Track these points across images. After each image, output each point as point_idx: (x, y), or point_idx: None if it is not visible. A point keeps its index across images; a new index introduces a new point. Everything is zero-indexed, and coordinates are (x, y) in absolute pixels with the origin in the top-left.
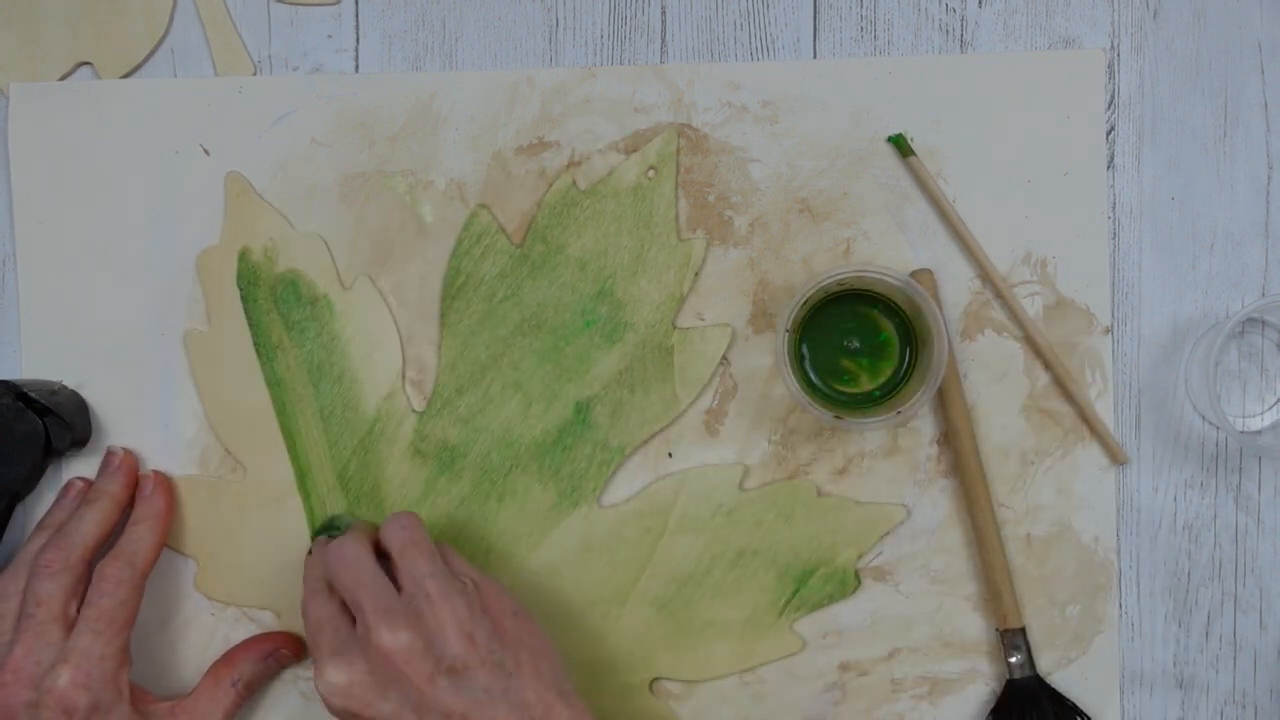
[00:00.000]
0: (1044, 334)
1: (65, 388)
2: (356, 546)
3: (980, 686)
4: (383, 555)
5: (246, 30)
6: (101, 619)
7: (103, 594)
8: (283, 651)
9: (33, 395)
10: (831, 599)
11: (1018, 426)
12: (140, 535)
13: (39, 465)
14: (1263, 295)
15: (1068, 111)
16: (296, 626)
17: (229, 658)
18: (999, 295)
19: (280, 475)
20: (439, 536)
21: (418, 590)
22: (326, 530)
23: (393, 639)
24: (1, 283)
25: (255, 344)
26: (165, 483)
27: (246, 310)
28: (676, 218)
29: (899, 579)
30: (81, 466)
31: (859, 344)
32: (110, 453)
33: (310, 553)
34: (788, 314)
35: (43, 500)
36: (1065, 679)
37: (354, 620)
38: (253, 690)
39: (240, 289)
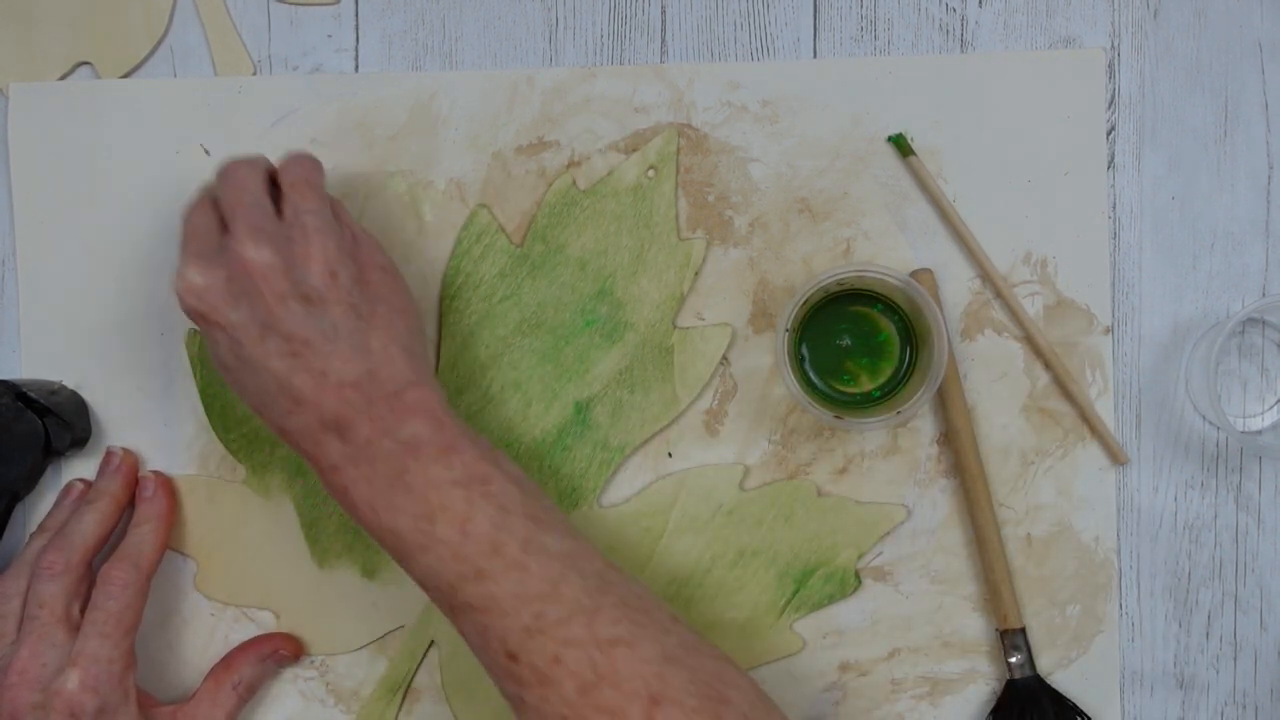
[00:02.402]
0: (1044, 334)
1: (65, 388)
2: (249, 169)
3: (980, 686)
4: (276, 189)
5: (246, 30)
6: (108, 621)
7: (108, 596)
8: (281, 652)
9: (32, 395)
10: (831, 599)
11: (1018, 426)
12: (143, 537)
13: (39, 465)
14: (1263, 295)
15: (1068, 111)
16: (296, 627)
17: (228, 660)
18: (999, 295)
19: (280, 475)
20: None
21: (295, 221)
22: None
23: (255, 253)
24: (1, 282)
25: None
26: (167, 484)
27: None
28: (676, 217)
29: (899, 579)
30: (81, 466)
31: (850, 341)
32: (110, 453)
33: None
34: (788, 314)
35: (43, 500)
36: (1065, 679)
37: (225, 230)
38: (253, 691)
39: None
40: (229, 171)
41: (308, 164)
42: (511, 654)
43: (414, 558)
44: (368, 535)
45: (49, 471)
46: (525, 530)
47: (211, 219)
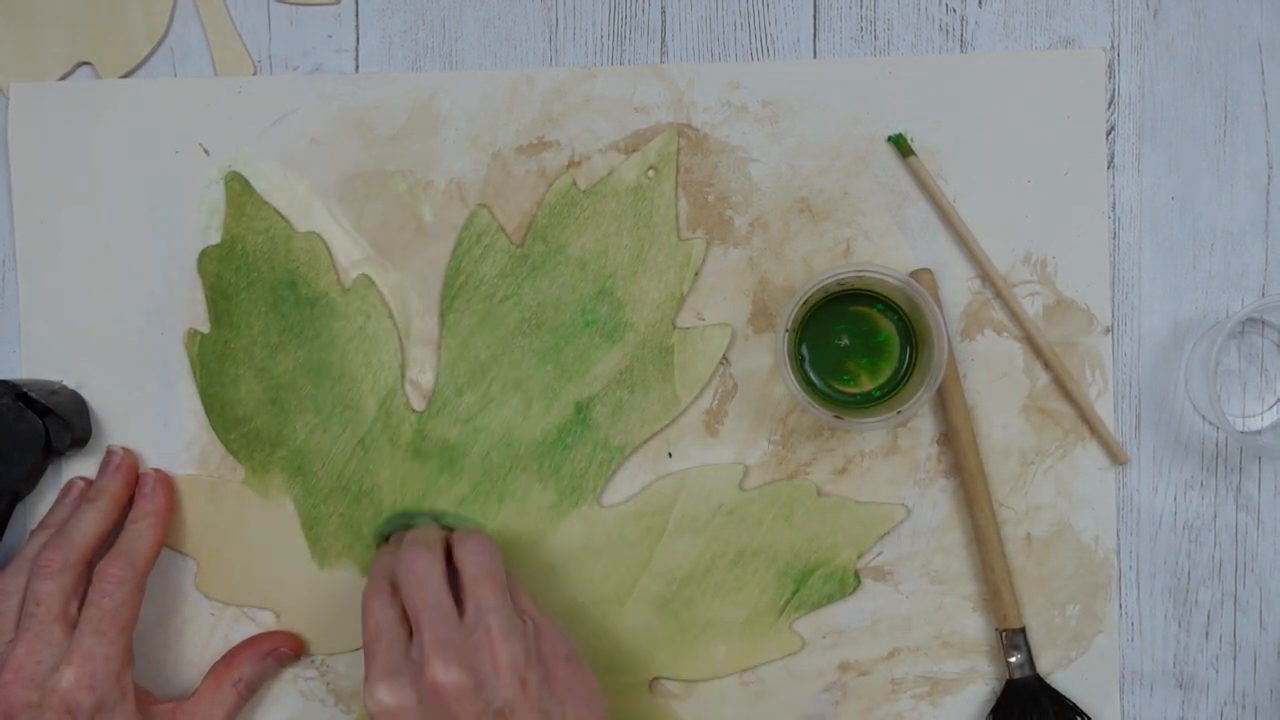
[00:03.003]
0: (1044, 334)
1: (65, 388)
2: (429, 559)
3: (980, 686)
4: (452, 569)
5: (246, 30)
6: (104, 619)
7: (104, 594)
8: (282, 650)
9: (33, 395)
10: (831, 599)
11: (1018, 426)
12: (140, 533)
13: (39, 465)
14: (1263, 295)
15: (1068, 111)
16: (296, 627)
17: (229, 658)
18: (999, 295)
19: (280, 475)
20: None
21: (479, 624)
22: (401, 522)
23: (446, 675)
24: (1, 282)
25: (255, 344)
26: (165, 481)
27: (246, 310)
28: (676, 217)
29: (899, 579)
30: (81, 466)
31: (850, 341)
32: (110, 452)
33: (384, 541)
34: (788, 314)
35: (43, 500)
36: (1065, 679)
37: (410, 633)
38: (253, 690)
39: (240, 289)
40: (409, 563)
41: (487, 552)
42: None
43: None
44: None
45: (49, 471)
46: None
47: (394, 614)
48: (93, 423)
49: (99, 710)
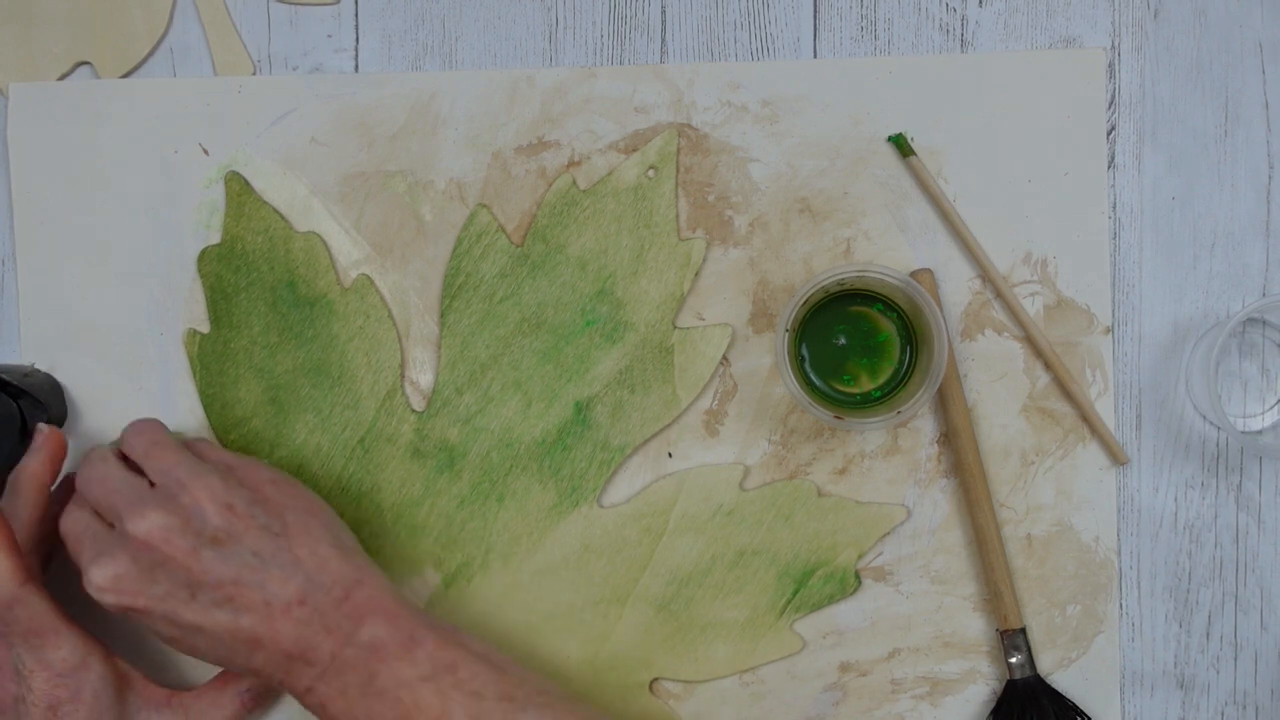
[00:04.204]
0: (1044, 334)
1: (39, 370)
2: (102, 460)
3: (980, 687)
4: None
5: (246, 30)
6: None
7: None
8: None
9: (6, 378)
10: (832, 599)
11: (1018, 426)
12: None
13: (15, 448)
14: (1263, 295)
15: (1068, 111)
16: None
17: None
18: (999, 295)
19: None
20: (439, 536)
21: (168, 479)
22: None
23: (146, 523)
24: (1, 282)
25: (254, 344)
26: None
27: (246, 310)
28: (677, 217)
29: (899, 579)
30: None
31: (850, 341)
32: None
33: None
34: (788, 314)
35: None
36: (1066, 679)
37: (112, 526)
38: (262, 703)
39: (239, 289)
40: (86, 471)
41: (148, 428)
42: None
43: None
44: None
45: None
46: (501, 712)
47: (87, 518)
48: (68, 405)
49: (78, 696)
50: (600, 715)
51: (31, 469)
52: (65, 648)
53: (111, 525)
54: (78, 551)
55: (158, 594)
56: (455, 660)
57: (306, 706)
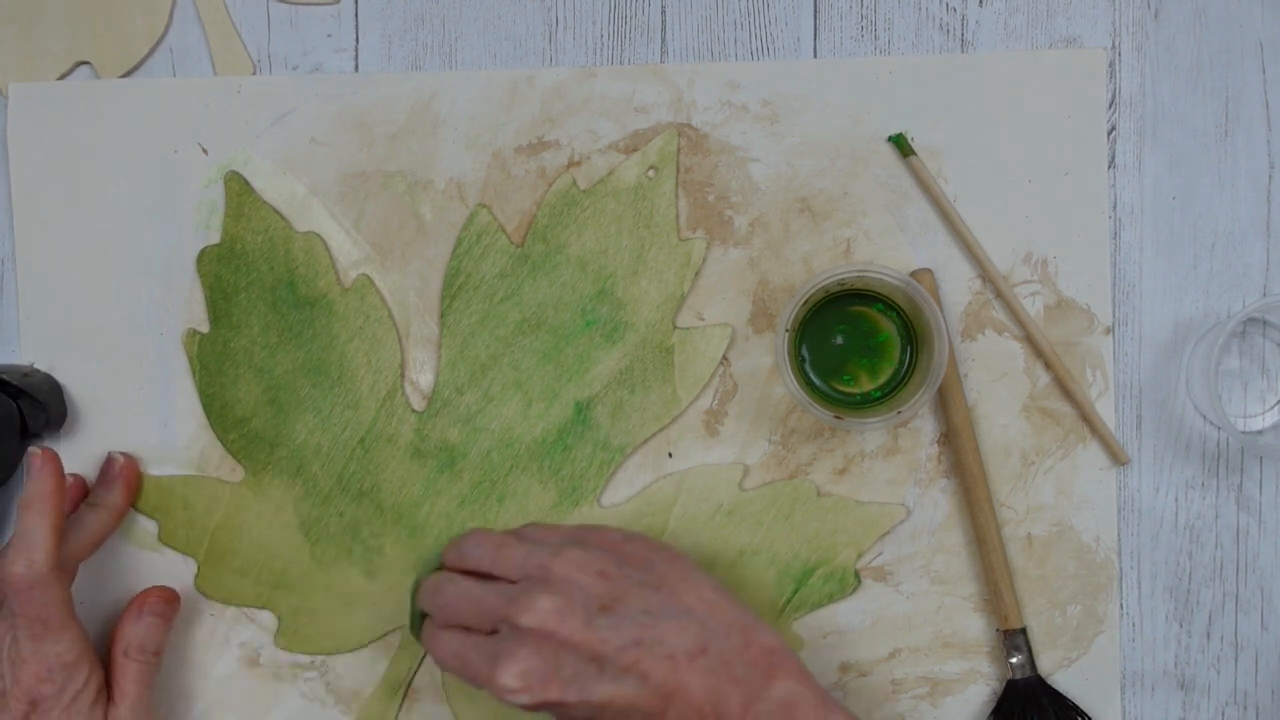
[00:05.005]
0: (1044, 334)
1: (39, 370)
2: (449, 581)
3: (981, 687)
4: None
5: (246, 30)
6: (32, 625)
7: (20, 603)
8: (153, 601)
9: (5, 378)
10: (831, 599)
11: (1018, 426)
12: (87, 521)
13: (15, 449)
14: (1264, 295)
15: (1069, 111)
16: (296, 627)
17: (113, 631)
18: (999, 295)
19: (280, 475)
20: (440, 536)
21: (530, 568)
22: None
23: (538, 612)
24: (1, 282)
25: (254, 344)
26: (131, 471)
27: (245, 310)
28: (677, 217)
29: (899, 579)
30: (59, 449)
31: (850, 341)
32: (110, 459)
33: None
34: (788, 314)
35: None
36: (1066, 679)
37: (492, 634)
38: (147, 652)
39: (239, 289)
40: (442, 602)
41: (483, 536)
42: None
43: None
44: None
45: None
46: None
47: (461, 635)
48: (68, 405)
49: (61, 693)
50: None
51: (42, 489)
52: (65, 643)
53: (486, 630)
54: (472, 669)
55: (568, 678)
56: None
57: None
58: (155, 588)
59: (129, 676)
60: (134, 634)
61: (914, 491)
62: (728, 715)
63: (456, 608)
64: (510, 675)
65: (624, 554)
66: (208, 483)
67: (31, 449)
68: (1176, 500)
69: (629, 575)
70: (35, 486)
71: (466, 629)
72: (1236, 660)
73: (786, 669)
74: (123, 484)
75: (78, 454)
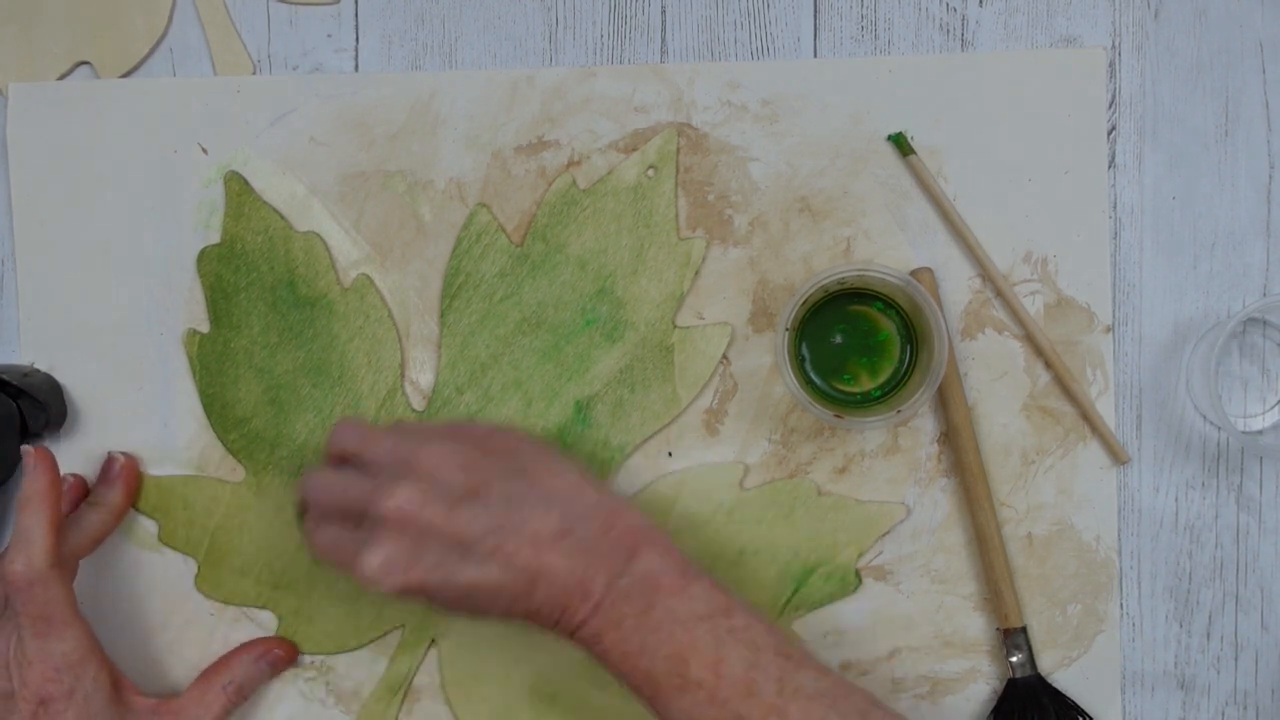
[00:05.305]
0: (1045, 333)
1: (39, 370)
2: (318, 472)
3: (981, 686)
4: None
5: (246, 30)
6: (36, 623)
7: (21, 602)
8: (277, 653)
9: (6, 378)
10: (832, 598)
11: (1018, 425)
12: (87, 520)
13: (15, 448)
14: (1264, 295)
15: (1069, 110)
16: (296, 627)
17: (222, 661)
18: (999, 294)
19: (280, 476)
20: None
21: (395, 459)
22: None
23: (396, 498)
24: (1, 282)
25: (254, 344)
26: (131, 471)
27: (245, 310)
28: (676, 217)
29: (899, 578)
30: (59, 449)
31: (850, 340)
32: (111, 459)
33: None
34: (788, 313)
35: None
36: (1066, 678)
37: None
38: (245, 695)
39: (239, 289)
40: (311, 491)
41: (350, 425)
42: None
43: (670, 703)
44: (625, 688)
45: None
46: (778, 668)
47: (335, 529)
48: (68, 405)
49: (72, 694)
50: (863, 689)
51: (38, 488)
52: (70, 641)
53: (350, 522)
54: (341, 556)
55: (430, 563)
56: (729, 605)
57: (580, 645)
58: (283, 641)
59: (211, 709)
60: (247, 676)
61: (914, 491)
62: (592, 593)
63: (324, 496)
64: (373, 561)
65: (489, 446)
66: (208, 483)
67: (26, 447)
68: (1176, 500)
69: (493, 465)
70: (30, 484)
71: (343, 521)
72: (1236, 660)
73: (650, 544)
74: (123, 484)
75: (78, 454)
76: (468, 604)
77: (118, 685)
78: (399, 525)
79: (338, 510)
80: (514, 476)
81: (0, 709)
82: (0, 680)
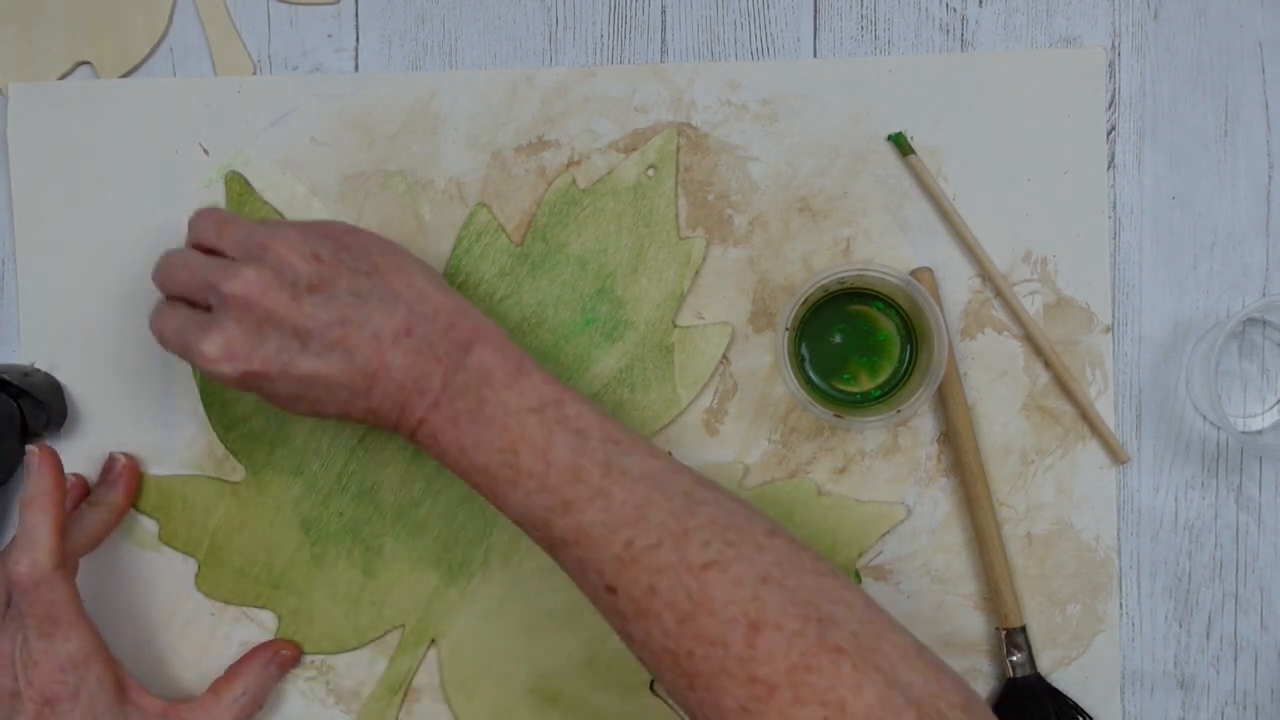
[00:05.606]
0: (1044, 333)
1: (39, 370)
2: (177, 253)
3: (981, 685)
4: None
5: (246, 30)
6: (42, 623)
7: (26, 602)
8: (284, 654)
9: (6, 378)
10: None
11: (1018, 425)
12: (89, 519)
13: (16, 448)
14: (1263, 295)
15: (1068, 110)
16: (296, 627)
17: (231, 673)
18: (999, 294)
19: (280, 475)
20: (440, 535)
21: (248, 244)
22: None
23: (241, 281)
24: (1, 282)
25: None
26: (132, 471)
27: None
28: (676, 216)
29: (899, 578)
30: (59, 449)
31: (850, 340)
32: (112, 459)
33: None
34: (788, 313)
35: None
36: (1066, 678)
37: (208, 309)
38: (259, 703)
39: None
40: (164, 271)
41: (210, 212)
42: (610, 587)
43: (507, 496)
44: (465, 483)
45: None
46: (605, 454)
47: (181, 310)
48: (68, 405)
49: (78, 694)
50: (692, 470)
51: (43, 487)
52: (75, 641)
53: (208, 309)
54: (181, 343)
55: (270, 351)
56: (561, 397)
57: (420, 443)
58: (290, 642)
59: (226, 718)
60: (258, 683)
61: (914, 490)
62: (429, 390)
63: (173, 276)
64: (212, 345)
65: (342, 242)
66: (208, 483)
67: (30, 446)
68: (1176, 500)
69: (343, 260)
70: (35, 484)
71: (181, 304)
72: (1236, 660)
73: (485, 340)
74: (124, 484)
75: (78, 454)
76: (307, 397)
77: (124, 685)
78: (241, 309)
79: (185, 293)
80: (363, 273)
81: (6, 709)
82: (5, 680)
